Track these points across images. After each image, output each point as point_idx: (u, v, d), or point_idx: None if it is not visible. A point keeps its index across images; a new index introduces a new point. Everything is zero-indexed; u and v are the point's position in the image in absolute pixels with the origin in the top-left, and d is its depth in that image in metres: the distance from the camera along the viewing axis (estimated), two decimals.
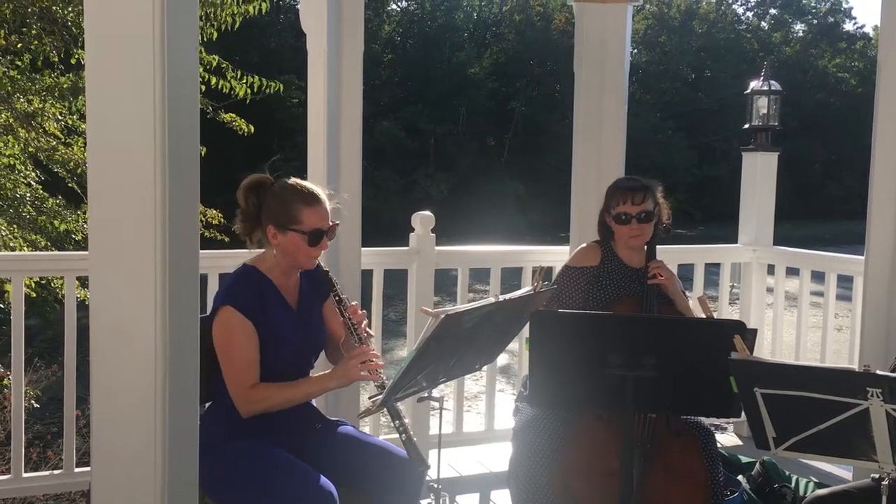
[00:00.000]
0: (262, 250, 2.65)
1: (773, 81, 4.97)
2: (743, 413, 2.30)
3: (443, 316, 2.03)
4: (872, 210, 3.51)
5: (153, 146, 1.33)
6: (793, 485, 3.76)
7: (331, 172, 3.53)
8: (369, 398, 2.41)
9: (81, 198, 7.99)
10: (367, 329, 2.63)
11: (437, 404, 2.45)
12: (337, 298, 2.62)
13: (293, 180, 2.63)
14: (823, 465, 3.96)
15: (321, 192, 2.62)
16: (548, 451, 2.99)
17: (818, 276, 4.60)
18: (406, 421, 2.47)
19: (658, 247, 4.38)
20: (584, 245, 3.45)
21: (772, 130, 4.93)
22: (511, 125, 36.92)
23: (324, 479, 2.40)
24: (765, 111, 4.93)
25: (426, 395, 2.41)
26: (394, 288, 4.12)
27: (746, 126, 5.01)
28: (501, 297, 2.28)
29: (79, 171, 7.73)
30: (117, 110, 1.36)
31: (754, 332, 2.17)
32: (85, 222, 7.81)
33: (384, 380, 2.51)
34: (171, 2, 1.30)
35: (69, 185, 8.05)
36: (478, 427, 4.52)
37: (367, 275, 3.83)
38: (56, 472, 3.67)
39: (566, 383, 2.41)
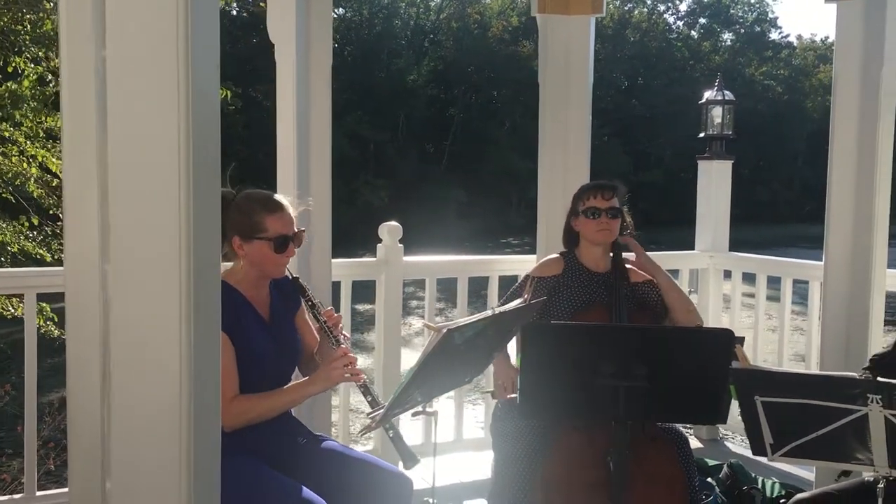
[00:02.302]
0: (230, 264, 2.63)
1: (726, 91, 5.10)
2: (725, 419, 2.37)
3: (445, 330, 2.02)
4: (830, 217, 3.62)
5: (177, 154, 1.30)
6: (759, 486, 3.85)
7: (301, 183, 3.49)
8: (368, 415, 2.40)
9: (21, 209, 7.72)
10: (344, 332, 2.62)
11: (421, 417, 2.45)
12: (310, 304, 2.63)
13: (255, 190, 2.66)
14: (785, 466, 4.06)
15: (283, 199, 2.65)
16: (527, 464, 3.00)
17: (771, 280, 4.74)
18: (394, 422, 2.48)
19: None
20: (548, 256, 3.49)
21: (726, 139, 5.06)
22: (450, 132, 37.09)
23: (313, 496, 2.37)
24: (719, 120, 5.06)
25: (421, 409, 2.39)
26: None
27: (702, 135, 5.13)
28: (498, 310, 2.28)
29: (16, 181, 7.46)
30: (140, 120, 1.32)
31: (742, 339, 2.22)
32: (23, 235, 7.54)
33: (366, 380, 2.53)
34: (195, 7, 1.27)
35: (3, 195, 7.77)
36: (447, 437, 4.50)
37: (335, 287, 3.79)
38: (16, 496, 3.52)
39: (558, 394, 2.42)
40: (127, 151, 1.32)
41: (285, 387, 2.59)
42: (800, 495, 2.51)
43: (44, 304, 6.38)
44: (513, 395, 3.18)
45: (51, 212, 7.54)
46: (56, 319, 6.60)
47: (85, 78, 2.19)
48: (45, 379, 3.72)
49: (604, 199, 3.31)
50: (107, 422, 1.39)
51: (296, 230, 2.62)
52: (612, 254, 3.40)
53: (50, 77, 7.35)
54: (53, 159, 7.08)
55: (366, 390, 2.54)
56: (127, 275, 1.34)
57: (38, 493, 3.42)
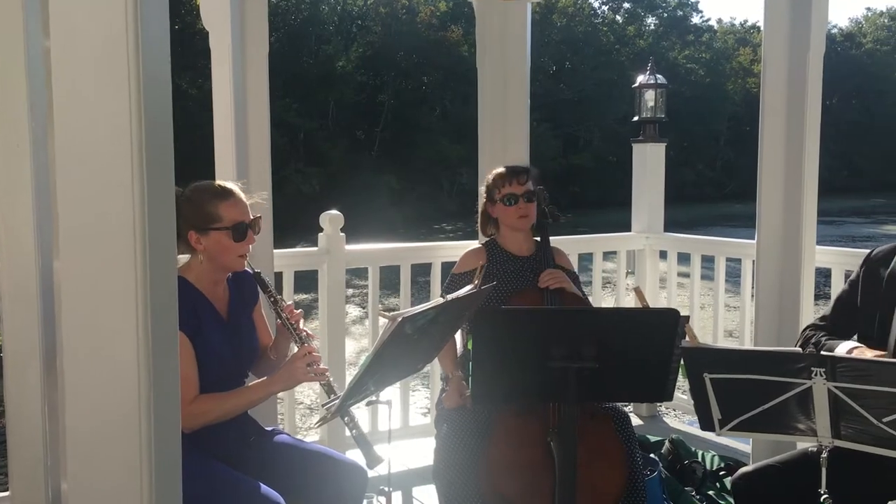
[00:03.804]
0: (187, 257, 2.54)
1: (658, 75, 5.19)
2: (671, 397, 2.43)
3: (399, 319, 2.01)
4: (762, 198, 3.71)
5: (129, 147, 1.26)
6: (699, 459, 3.97)
7: (240, 173, 3.41)
8: (323, 405, 2.37)
9: None
10: (305, 328, 2.58)
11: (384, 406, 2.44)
12: (272, 299, 2.57)
13: (202, 181, 2.58)
14: (723, 440, 4.20)
15: (234, 186, 2.58)
16: (472, 447, 3.02)
17: (704, 259, 4.88)
18: (356, 420, 2.46)
19: (557, 237, 4.50)
20: (469, 248, 3.51)
21: (658, 122, 5.16)
22: (381, 119, 36.90)
23: (269, 490, 2.34)
24: (652, 104, 5.15)
25: (375, 398, 2.39)
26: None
27: (636, 118, 5.22)
28: (449, 297, 2.28)
29: None
30: (89, 113, 1.27)
31: (687, 318, 2.26)
32: None
33: (330, 380, 2.48)
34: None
35: None
36: (394, 424, 4.50)
37: (277, 278, 3.73)
38: None
39: (509, 378, 2.43)
40: (76, 145, 1.27)
41: (247, 386, 2.53)
42: (744, 468, 2.59)
43: None
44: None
45: None
46: None
47: (16, 69, 2.11)
48: None
49: (519, 185, 3.33)
50: (60, 424, 1.34)
51: (252, 216, 2.55)
52: (536, 238, 3.44)
53: None
54: None
55: (329, 389, 2.49)
56: (79, 273, 1.29)
57: None
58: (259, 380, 2.55)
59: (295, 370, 2.45)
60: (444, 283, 3.49)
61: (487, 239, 3.49)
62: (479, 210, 3.49)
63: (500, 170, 3.44)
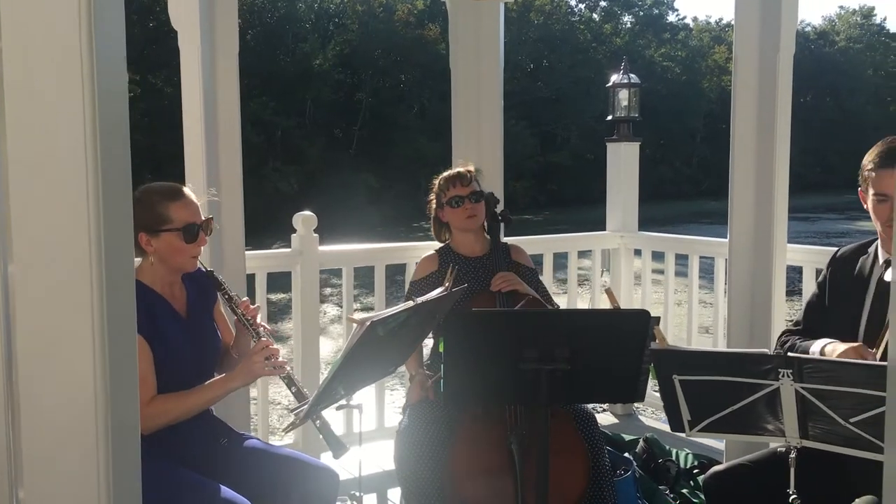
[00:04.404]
0: (139, 260, 2.53)
1: (632, 75, 5.21)
2: (643, 398, 2.43)
3: (368, 323, 2.00)
4: (734, 198, 3.74)
5: (83, 146, 1.24)
6: (674, 457, 3.98)
7: (210, 175, 3.38)
8: (292, 411, 2.36)
9: None
10: (263, 323, 2.57)
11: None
12: (227, 297, 2.56)
13: (153, 183, 2.57)
14: (698, 438, 4.21)
15: (183, 187, 2.57)
16: (433, 453, 3.01)
17: (679, 257, 4.90)
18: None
19: (533, 237, 4.50)
20: (422, 257, 3.53)
21: (632, 121, 5.18)
22: (359, 117, 36.81)
23: (233, 493, 2.31)
24: (626, 103, 5.17)
25: (345, 402, 2.37)
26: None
27: (609, 118, 5.23)
28: (419, 300, 2.27)
29: None
30: (41, 111, 1.25)
31: (657, 319, 2.26)
32: None
33: (289, 371, 2.48)
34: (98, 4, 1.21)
35: None
36: (369, 425, 4.49)
37: (249, 279, 3.71)
38: None
39: (483, 381, 2.42)
40: (29, 145, 1.24)
41: (205, 384, 2.51)
42: (716, 468, 2.60)
43: None
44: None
45: None
46: None
47: None
48: None
49: (463, 186, 3.38)
50: (15, 430, 1.32)
51: (203, 217, 2.54)
52: (488, 236, 3.46)
53: None
54: None
55: (290, 381, 2.50)
56: (34, 276, 1.27)
57: None
58: (218, 377, 2.53)
59: (253, 364, 2.44)
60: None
61: (441, 245, 3.50)
62: (431, 217, 3.51)
63: (444, 174, 3.49)
